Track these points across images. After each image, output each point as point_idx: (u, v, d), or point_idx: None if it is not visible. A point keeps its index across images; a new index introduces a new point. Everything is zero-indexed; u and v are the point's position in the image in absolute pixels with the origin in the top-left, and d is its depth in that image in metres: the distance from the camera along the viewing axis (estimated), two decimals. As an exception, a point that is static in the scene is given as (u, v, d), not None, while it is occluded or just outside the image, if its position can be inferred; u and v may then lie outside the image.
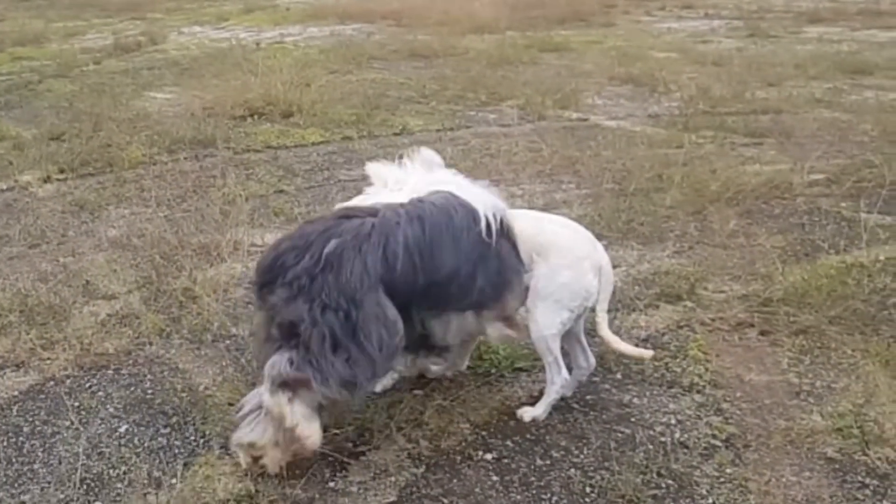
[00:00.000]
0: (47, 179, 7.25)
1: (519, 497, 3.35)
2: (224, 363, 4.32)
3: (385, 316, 3.38)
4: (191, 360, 4.39)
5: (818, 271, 5.10)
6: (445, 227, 3.51)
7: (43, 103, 10.19)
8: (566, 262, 3.73)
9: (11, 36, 15.22)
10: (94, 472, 3.53)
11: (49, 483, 3.47)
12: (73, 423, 3.87)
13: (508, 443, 3.68)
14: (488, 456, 3.59)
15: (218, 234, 5.73)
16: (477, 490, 3.39)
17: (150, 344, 4.55)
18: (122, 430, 3.83)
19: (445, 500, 3.34)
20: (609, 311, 3.86)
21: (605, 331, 3.78)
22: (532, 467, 3.52)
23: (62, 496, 3.39)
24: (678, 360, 4.28)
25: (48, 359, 4.42)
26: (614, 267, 4.86)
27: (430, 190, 3.69)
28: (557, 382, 3.80)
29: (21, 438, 3.78)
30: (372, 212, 3.53)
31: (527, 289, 3.74)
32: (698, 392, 4.01)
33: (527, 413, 3.85)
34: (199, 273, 5.23)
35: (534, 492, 3.38)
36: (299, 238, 3.50)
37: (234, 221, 5.89)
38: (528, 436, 3.72)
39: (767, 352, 4.35)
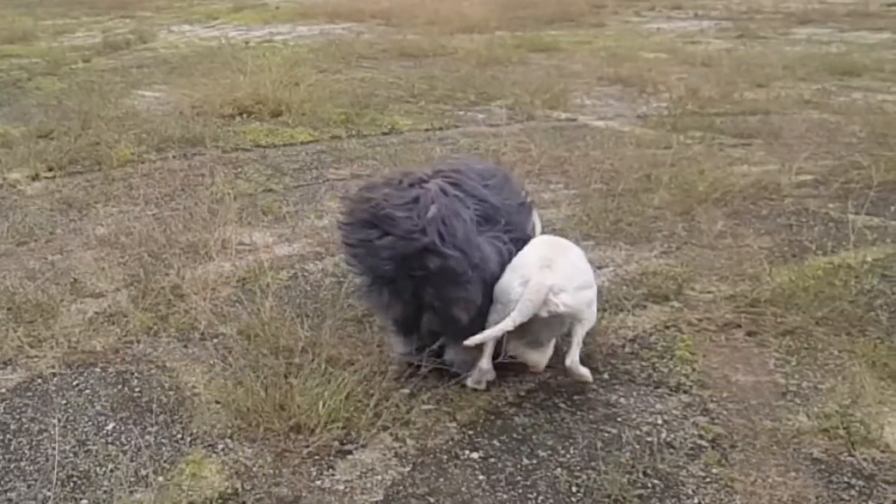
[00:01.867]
0: (35, 177, 7.23)
1: (505, 496, 3.36)
2: (211, 361, 4.31)
3: None
4: (178, 359, 4.39)
5: (805, 272, 5.11)
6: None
7: (31, 101, 10.16)
8: (513, 264, 4.00)
9: (0, 34, 15.17)
10: (81, 469, 3.53)
11: (36, 480, 3.47)
12: (60, 420, 3.86)
13: (495, 442, 3.68)
14: (475, 455, 3.60)
15: (206, 233, 5.73)
16: (463, 489, 3.40)
17: (138, 342, 4.55)
18: (109, 427, 3.82)
19: (432, 499, 3.35)
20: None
21: (485, 333, 3.89)
22: (518, 466, 3.53)
23: (49, 493, 3.38)
24: (665, 360, 4.29)
25: (35, 356, 4.41)
26: (601, 267, 4.94)
27: None
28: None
29: (8, 436, 3.78)
30: None
31: None
32: (685, 392, 4.02)
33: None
34: (187, 271, 5.23)
35: (520, 491, 3.38)
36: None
37: (223, 220, 5.89)
38: (514, 435, 3.73)
39: (754, 352, 4.37)
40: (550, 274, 3.89)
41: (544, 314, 3.87)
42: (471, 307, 3.89)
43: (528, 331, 4.01)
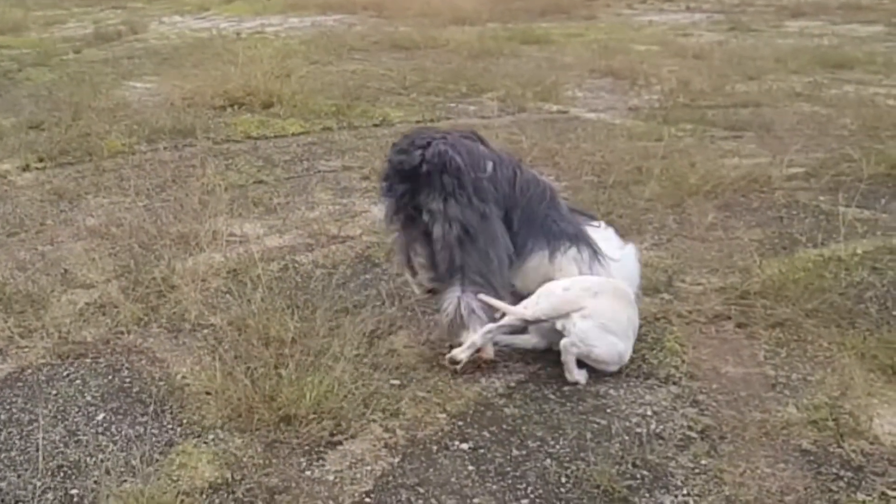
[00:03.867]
0: (26, 168, 7.23)
1: (494, 487, 3.36)
2: (201, 352, 4.31)
3: None
4: (168, 349, 4.39)
5: (795, 264, 5.12)
6: None
7: (22, 92, 10.16)
8: (575, 277, 4.32)
9: (-9, 24, 15.16)
10: (72, 459, 3.53)
11: (26, 470, 3.47)
12: (50, 411, 3.87)
13: (485, 433, 3.69)
14: (464, 446, 3.60)
15: (197, 224, 5.72)
16: (453, 480, 3.40)
17: (128, 333, 4.55)
18: (100, 418, 3.83)
19: (421, 490, 3.35)
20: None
21: (502, 304, 4.17)
22: (508, 457, 3.53)
23: (39, 483, 3.39)
24: (655, 351, 4.29)
25: (26, 347, 4.41)
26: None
27: None
28: None
29: (-2, 426, 3.78)
30: None
31: None
32: (674, 384, 4.03)
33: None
34: (178, 262, 5.22)
35: (509, 482, 3.39)
36: None
37: (213, 211, 5.88)
38: (504, 426, 3.73)
39: (744, 344, 4.37)
40: (591, 301, 4.02)
41: (558, 326, 3.96)
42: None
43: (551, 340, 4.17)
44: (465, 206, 4.13)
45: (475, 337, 4.07)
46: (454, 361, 4.07)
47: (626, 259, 4.60)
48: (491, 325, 4.08)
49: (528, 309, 4.07)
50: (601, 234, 4.66)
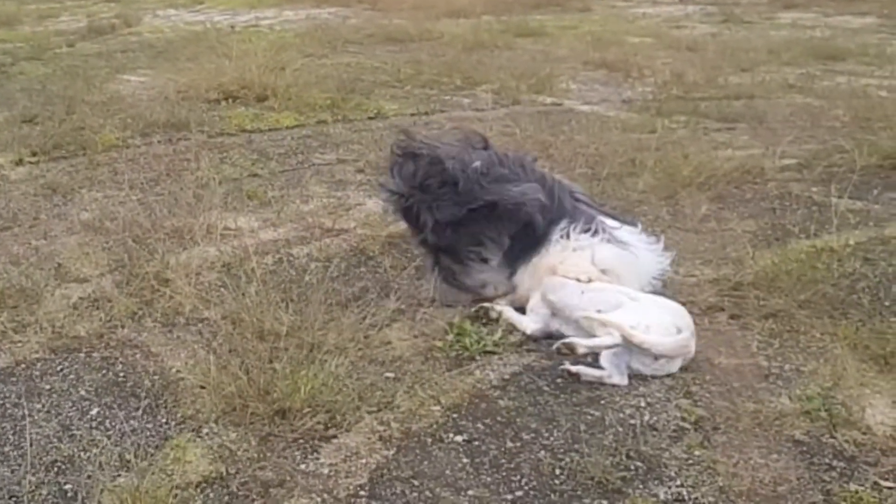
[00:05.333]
0: (19, 162, 7.20)
1: (489, 479, 3.37)
2: (196, 346, 4.31)
3: None
4: (163, 344, 4.39)
5: (788, 256, 5.12)
6: None
7: (15, 86, 10.12)
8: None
9: (-16, 18, 15.13)
10: (66, 454, 3.53)
11: (20, 465, 3.47)
12: (44, 405, 3.87)
13: (479, 425, 3.70)
14: (459, 438, 3.61)
15: (191, 218, 5.71)
16: (447, 472, 3.41)
17: (122, 327, 4.54)
18: (94, 412, 3.83)
19: (416, 482, 3.36)
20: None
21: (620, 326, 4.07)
22: (502, 449, 3.54)
23: (33, 478, 3.39)
24: (649, 343, 4.30)
25: (19, 342, 4.40)
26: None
27: None
28: None
29: (-8, 421, 3.78)
30: None
31: None
32: (668, 375, 4.04)
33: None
34: (172, 256, 5.21)
35: (504, 474, 3.40)
36: None
37: (208, 205, 5.86)
38: (498, 418, 3.74)
39: (737, 335, 4.39)
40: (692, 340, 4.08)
41: (653, 358, 4.01)
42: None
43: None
44: (451, 204, 4.28)
45: (601, 341, 4.03)
46: (571, 349, 4.05)
47: (650, 252, 4.70)
48: (613, 341, 4.02)
49: (636, 330, 4.00)
50: (626, 230, 4.77)
